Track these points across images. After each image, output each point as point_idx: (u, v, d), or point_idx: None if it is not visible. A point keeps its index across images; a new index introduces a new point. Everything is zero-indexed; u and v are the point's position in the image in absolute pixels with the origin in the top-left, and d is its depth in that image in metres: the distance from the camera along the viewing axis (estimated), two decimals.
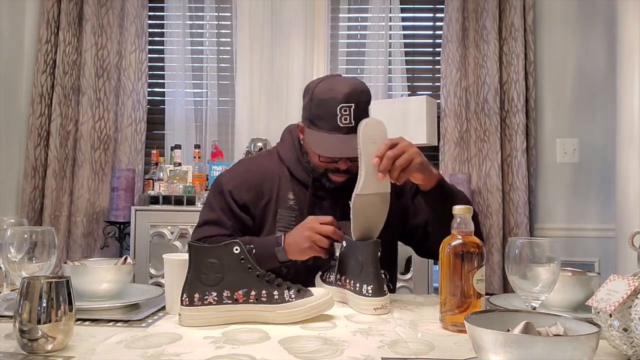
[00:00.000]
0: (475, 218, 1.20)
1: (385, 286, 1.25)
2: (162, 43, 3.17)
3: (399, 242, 1.66)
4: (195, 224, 1.59)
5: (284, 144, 1.62)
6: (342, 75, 1.52)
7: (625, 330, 0.87)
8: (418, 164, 1.31)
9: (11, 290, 1.28)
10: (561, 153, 3.01)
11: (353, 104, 1.39)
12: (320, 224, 1.37)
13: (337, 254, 1.34)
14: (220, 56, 3.15)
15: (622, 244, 2.51)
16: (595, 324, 0.85)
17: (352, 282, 1.28)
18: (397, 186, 1.48)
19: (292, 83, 3.05)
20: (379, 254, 1.26)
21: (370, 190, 1.30)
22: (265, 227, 1.54)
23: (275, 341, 0.98)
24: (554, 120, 3.02)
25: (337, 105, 1.39)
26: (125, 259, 1.30)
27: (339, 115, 1.39)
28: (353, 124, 1.38)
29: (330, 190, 1.53)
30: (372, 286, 1.23)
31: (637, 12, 2.43)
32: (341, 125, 1.40)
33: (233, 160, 2.95)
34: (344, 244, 1.32)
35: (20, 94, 3.03)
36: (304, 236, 1.37)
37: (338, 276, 1.34)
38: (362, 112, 1.42)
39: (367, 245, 1.27)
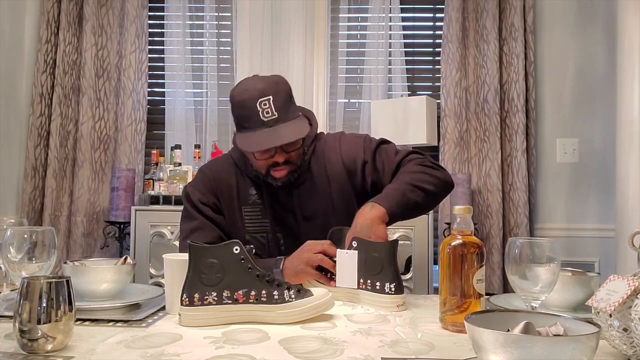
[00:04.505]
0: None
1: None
2: (162, 43, 3.17)
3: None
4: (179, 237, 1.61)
5: (235, 147, 1.64)
6: (259, 75, 1.55)
7: (625, 330, 0.87)
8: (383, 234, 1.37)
9: (11, 290, 1.28)
10: (561, 153, 3.01)
11: (271, 96, 1.43)
12: (316, 252, 1.38)
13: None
14: (220, 56, 3.15)
15: (622, 244, 2.51)
16: (595, 324, 0.85)
17: (369, 280, 1.30)
18: (348, 165, 1.57)
19: (292, 83, 2.97)
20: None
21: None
22: (236, 226, 1.57)
23: (275, 341, 0.98)
24: (554, 120, 3.02)
25: (256, 101, 1.42)
26: (125, 259, 1.30)
27: (260, 110, 1.42)
28: (277, 115, 1.43)
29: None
30: (394, 284, 1.27)
31: (637, 12, 2.43)
32: (265, 119, 1.43)
33: None
34: (354, 244, 1.33)
35: (20, 94, 3.03)
36: (299, 257, 1.40)
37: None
38: (283, 102, 1.45)
39: (385, 245, 1.31)
